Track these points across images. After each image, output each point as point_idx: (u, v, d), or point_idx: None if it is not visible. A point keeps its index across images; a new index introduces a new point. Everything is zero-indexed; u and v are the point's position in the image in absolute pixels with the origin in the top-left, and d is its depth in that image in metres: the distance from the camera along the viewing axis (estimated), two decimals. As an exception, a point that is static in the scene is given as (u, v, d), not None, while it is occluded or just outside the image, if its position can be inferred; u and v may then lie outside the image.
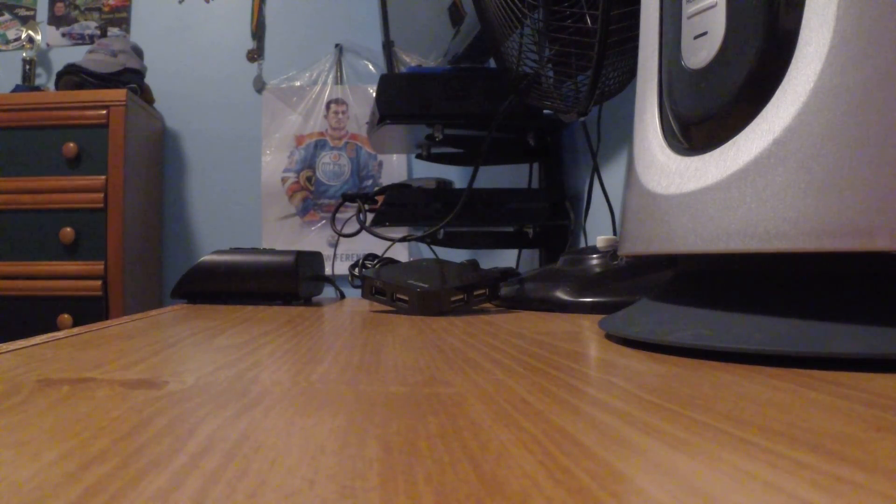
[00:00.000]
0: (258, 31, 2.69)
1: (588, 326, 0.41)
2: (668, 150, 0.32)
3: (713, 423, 0.16)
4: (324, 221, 2.62)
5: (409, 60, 1.16)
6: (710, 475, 0.12)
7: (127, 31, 2.67)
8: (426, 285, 0.53)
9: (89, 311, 2.13)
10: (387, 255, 0.74)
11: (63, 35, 2.67)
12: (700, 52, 0.30)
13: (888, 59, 0.23)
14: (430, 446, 0.14)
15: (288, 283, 0.67)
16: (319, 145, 2.65)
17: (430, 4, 1.18)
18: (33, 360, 0.26)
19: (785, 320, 0.26)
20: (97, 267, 2.13)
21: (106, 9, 2.68)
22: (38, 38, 2.61)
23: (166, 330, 0.39)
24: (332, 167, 2.65)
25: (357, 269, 0.69)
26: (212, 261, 0.68)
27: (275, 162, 2.64)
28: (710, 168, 0.28)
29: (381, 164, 2.64)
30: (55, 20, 2.67)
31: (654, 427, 0.16)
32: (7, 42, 2.66)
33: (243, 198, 2.65)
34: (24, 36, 2.57)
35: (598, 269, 0.55)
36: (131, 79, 2.30)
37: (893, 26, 0.23)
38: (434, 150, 1.01)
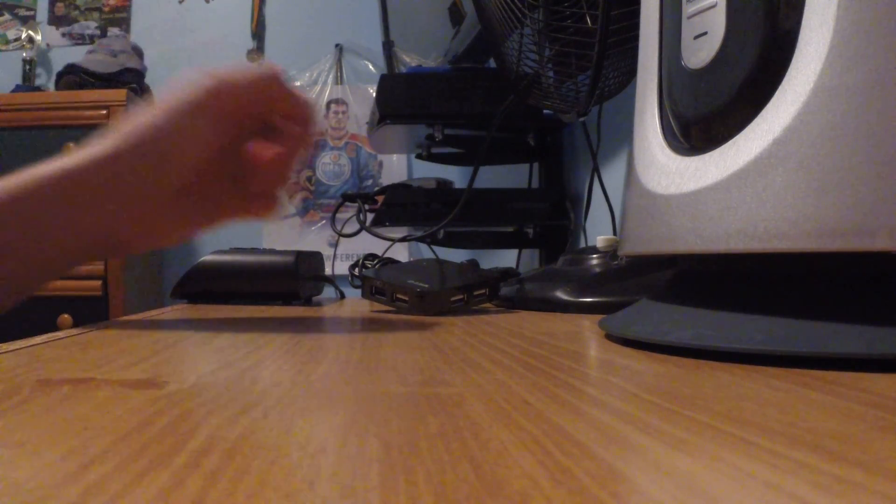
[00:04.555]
0: (258, 31, 2.69)
1: (588, 326, 0.41)
2: (668, 150, 0.32)
3: (713, 423, 0.16)
4: (324, 221, 2.61)
5: (409, 60, 1.16)
6: (710, 475, 0.12)
7: (127, 31, 2.67)
8: (426, 285, 0.53)
9: (89, 311, 2.12)
10: (387, 255, 0.74)
11: (63, 35, 2.67)
12: (700, 52, 0.30)
13: (888, 59, 0.23)
14: (430, 446, 0.14)
15: (288, 283, 0.67)
16: (319, 145, 2.65)
17: (430, 4, 1.18)
18: (33, 360, 0.26)
19: (785, 320, 0.26)
20: (97, 267, 2.13)
21: (106, 9, 2.68)
22: (38, 38, 2.60)
23: (166, 330, 0.39)
24: (332, 167, 2.65)
25: (357, 269, 0.69)
26: (212, 261, 0.68)
27: (275, 162, 2.64)
28: (710, 168, 0.28)
29: (381, 164, 2.64)
30: (55, 20, 2.67)
31: (654, 427, 0.16)
32: (7, 42, 2.66)
33: (243, 198, 2.65)
34: (24, 36, 2.57)
35: (598, 269, 0.55)
36: (131, 79, 2.30)
37: (893, 26, 0.23)
38: (434, 150, 1.01)
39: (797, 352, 0.24)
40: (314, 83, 2.66)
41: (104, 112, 2.16)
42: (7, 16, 2.66)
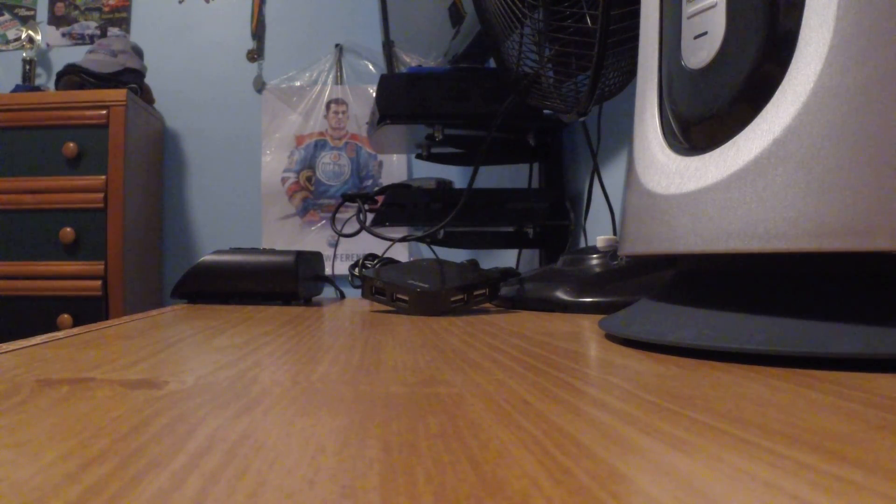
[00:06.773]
0: (258, 31, 2.69)
1: (588, 326, 0.41)
2: (668, 150, 0.32)
3: (713, 423, 0.16)
4: (324, 221, 2.62)
5: (409, 60, 1.16)
6: (710, 475, 0.12)
7: (127, 31, 2.67)
8: (426, 285, 0.53)
9: (89, 311, 2.12)
10: (387, 255, 0.74)
11: (63, 35, 2.67)
12: (700, 52, 0.30)
13: (888, 59, 0.23)
14: (430, 446, 0.14)
15: (288, 283, 0.67)
16: (319, 145, 2.65)
17: (430, 4, 1.18)
18: (33, 360, 0.26)
19: (785, 320, 0.26)
20: (97, 267, 2.13)
21: (106, 9, 2.68)
22: (38, 38, 2.61)
23: (166, 330, 0.39)
24: (332, 167, 2.65)
25: (357, 269, 0.69)
26: (212, 261, 0.68)
27: (275, 162, 2.64)
28: (710, 168, 0.28)
29: (381, 164, 2.64)
30: (55, 20, 2.67)
31: (654, 427, 0.16)
32: (7, 42, 2.66)
33: (243, 198, 2.65)
34: (24, 36, 2.57)
35: (598, 269, 0.55)
36: (131, 79, 2.30)
37: (893, 26, 0.23)
38: (434, 150, 1.01)
39: (797, 352, 0.24)
40: (314, 83, 2.66)
41: (104, 112, 2.16)
42: (7, 16, 2.66)
